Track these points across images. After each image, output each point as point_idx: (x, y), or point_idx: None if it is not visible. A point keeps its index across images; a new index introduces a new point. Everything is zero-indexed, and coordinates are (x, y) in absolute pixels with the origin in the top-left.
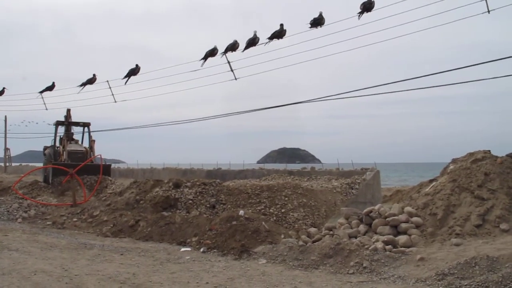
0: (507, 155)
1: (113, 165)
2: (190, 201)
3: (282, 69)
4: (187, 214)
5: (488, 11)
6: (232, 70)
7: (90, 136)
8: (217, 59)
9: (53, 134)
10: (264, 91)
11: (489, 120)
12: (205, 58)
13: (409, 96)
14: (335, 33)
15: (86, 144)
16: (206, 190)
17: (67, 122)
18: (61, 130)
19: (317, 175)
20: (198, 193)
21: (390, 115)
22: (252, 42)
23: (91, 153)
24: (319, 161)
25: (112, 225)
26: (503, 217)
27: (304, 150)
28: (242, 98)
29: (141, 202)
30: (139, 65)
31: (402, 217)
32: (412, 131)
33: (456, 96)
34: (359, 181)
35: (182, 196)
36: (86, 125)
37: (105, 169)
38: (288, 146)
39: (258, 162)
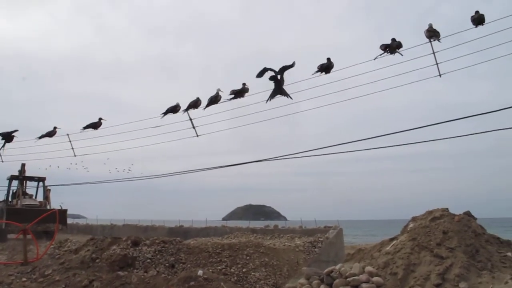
0: (464, 213)
1: (72, 221)
2: (149, 260)
3: (248, 126)
4: (145, 273)
5: (440, 75)
6: (193, 127)
7: (45, 190)
8: (179, 115)
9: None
10: (230, 146)
11: (454, 177)
12: (165, 113)
13: (372, 153)
14: (298, 92)
15: (40, 198)
16: (166, 248)
17: (22, 177)
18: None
19: (280, 233)
20: (157, 252)
21: (355, 173)
22: (214, 99)
23: (47, 203)
24: (284, 218)
25: (64, 286)
26: (462, 275)
27: (269, 207)
28: (205, 154)
29: (97, 260)
30: (103, 119)
31: (363, 277)
32: (377, 188)
33: (419, 153)
34: (322, 239)
35: (140, 254)
36: (41, 179)
37: (61, 215)
38: (253, 203)
39: (223, 219)
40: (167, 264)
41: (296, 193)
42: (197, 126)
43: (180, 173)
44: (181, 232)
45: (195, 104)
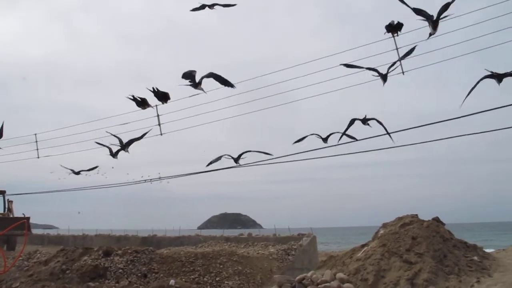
0: (433, 219)
1: (42, 231)
2: (121, 270)
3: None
4: (116, 284)
5: (403, 72)
6: (159, 124)
7: (5, 203)
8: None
9: None
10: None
11: (428, 184)
12: (134, 100)
13: (347, 160)
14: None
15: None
16: (138, 258)
17: None
18: None
19: (254, 241)
20: (129, 262)
21: (329, 180)
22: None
23: (10, 214)
24: (260, 226)
25: None
26: (430, 280)
27: (245, 215)
28: (174, 162)
29: (67, 271)
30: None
31: (334, 283)
32: (351, 195)
33: (394, 161)
34: (295, 247)
35: (112, 264)
36: (1, 192)
37: (23, 223)
38: (229, 211)
39: (199, 228)
40: (139, 274)
41: (271, 201)
42: (163, 123)
43: (151, 180)
44: (154, 242)
45: (164, 96)
